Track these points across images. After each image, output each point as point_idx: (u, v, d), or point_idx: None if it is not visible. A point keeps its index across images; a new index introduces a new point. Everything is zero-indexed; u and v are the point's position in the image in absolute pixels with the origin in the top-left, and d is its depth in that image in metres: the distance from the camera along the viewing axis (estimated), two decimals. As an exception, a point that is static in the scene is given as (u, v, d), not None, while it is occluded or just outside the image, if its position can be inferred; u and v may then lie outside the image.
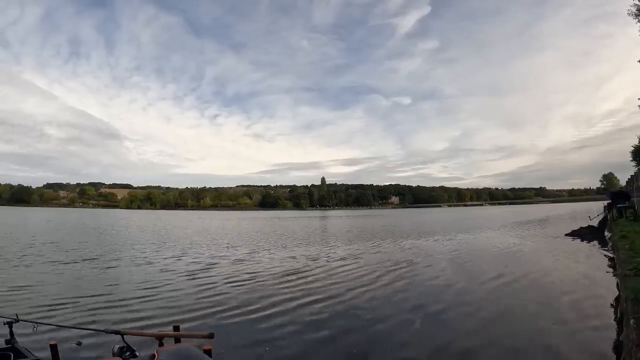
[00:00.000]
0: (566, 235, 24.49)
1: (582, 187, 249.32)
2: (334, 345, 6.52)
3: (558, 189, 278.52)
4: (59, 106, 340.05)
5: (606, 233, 23.52)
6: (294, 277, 12.81)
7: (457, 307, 8.87)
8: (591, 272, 12.47)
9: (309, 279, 12.47)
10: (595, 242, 20.31)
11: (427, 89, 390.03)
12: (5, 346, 3.82)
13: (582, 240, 21.47)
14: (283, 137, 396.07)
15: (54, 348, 3.90)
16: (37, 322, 4.15)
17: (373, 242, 24.39)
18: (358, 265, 14.94)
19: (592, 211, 34.63)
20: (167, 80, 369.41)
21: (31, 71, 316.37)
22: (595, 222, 25.51)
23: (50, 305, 8.89)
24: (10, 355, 3.43)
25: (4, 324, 3.96)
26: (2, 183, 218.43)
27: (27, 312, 7.88)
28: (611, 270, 12.33)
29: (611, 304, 8.36)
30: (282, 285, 11.44)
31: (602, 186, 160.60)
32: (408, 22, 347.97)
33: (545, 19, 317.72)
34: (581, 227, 24.89)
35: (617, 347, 5.81)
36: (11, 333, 3.95)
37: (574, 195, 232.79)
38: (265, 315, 8.27)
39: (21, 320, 4.02)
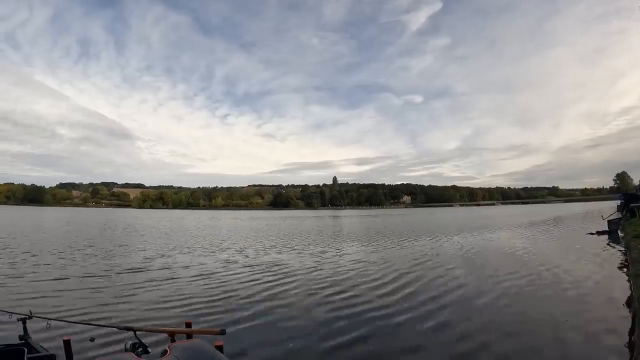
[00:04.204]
0: (587, 234, 25.19)
1: (595, 187, 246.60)
2: (347, 346, 6.57)
3: (571, 188, 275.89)
4: (71, 107, 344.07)
5: (620, 233, 23.90)
6: (309, 276, 13.08)
7: (478, 304, 9.19)
8: (604, 271, 12.82)
9: (326, 278, 12.63)
10: (611, 242, 20.83)
11: (438, 87, 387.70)
12: (18, 342, 3.98)
13: (597, 240, 21.91)
14: (294, 136, 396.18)
15: (67, 344, 4.01)
16: (50, 319, 4.18)
17: (392, 242, 24.90)
18: (376, 265, 15.23)
19: (605, 211, 34.85)
20: (177, 80, 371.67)
21: (42, 72, 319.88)
22: (608, 222, 25.88)
23: (64, 302, 9.27)
24: (24, 350, 3.53)
25: (18, 320, 4.15)
26: (16, 183, 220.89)
27: (41, 308, 8.18)
28: (625, 269, 12.67)
29: (624, 304, 8.58)
30: (296, 284, 11.70)
31: (615, 185, 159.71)
32: (419, 18, 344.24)
33: (558, 15, 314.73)
34: (598, 231, 25.32)
35: (630, 347, 6.03)
36: (25, 329, 4.14)
37: (587, 195, 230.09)
38: (278, 313, 8.54)
39: (35, 317, 4.20)
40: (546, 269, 13.48)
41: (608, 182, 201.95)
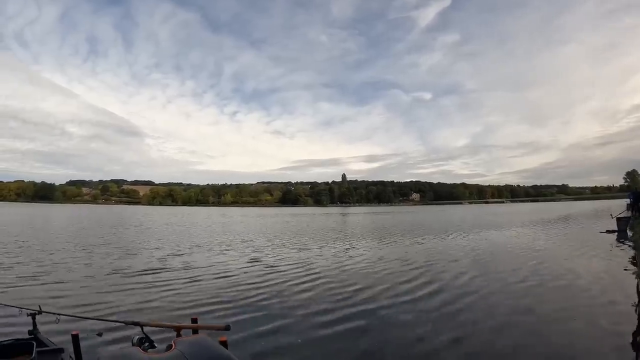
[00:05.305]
0: (600, 232, 25.44)
1: (605, 185, 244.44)
2: (355, 344, 6.64)
3: (580, 186, 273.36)
4: (80, 104, 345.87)
5: (629, 232, 24.04)
6: (319, 273, 13.12)
7: (488, 300, 9.54)
8: (612, 270, 12.95)
9: (337, 276, 12.67)
10: (619, 241, 21.08)
11: (448, 83, 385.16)
12: (28, 336, 4.04)
13: (605, 239, 22.11)
14: (303, 133, 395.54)
15: (75, 338, 3.94)
16: (59, 314, 4.24)
17: (405, 239, 25.18)
18: (388, 263, 15.34)
19: (615, 209, 34.82)
20: (186, 77, 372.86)
21: (51, 70, 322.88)
22: (617, 220, 26.03)
23: (73, 298, 9.42)
24: (33, 344, 3.52)
25: (28, 315, 4.21)
26: (26, 180, 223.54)
27: (51, 304, 8.19)
28: (632, 268, 12.88)
29: (632, 304, 8.62)
30: (305, 282, 11.77)
31: (625, 183, 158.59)
32: (428, 14, 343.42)
33: (568, 11, 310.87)
34: (608, 230, 25.51)
35: (636, 346, 6.21)
36: (34, 324, 4.21)
37: (596, 193, 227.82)
38: (284, 311, 8.63)
39: (44, 312, 4.26)
40: (554, 267, 13.73)
41: (618, 180, 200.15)
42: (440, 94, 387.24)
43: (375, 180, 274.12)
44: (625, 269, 13.02)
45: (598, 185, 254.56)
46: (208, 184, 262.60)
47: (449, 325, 7.63)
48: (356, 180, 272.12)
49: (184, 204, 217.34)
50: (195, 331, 3.44)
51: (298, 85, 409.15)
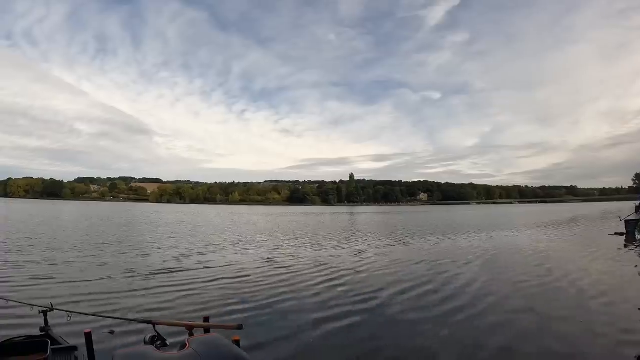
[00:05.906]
0: (609, 235, 25.65)
1: (614, 186, 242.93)
2: (366, 341, 6.74)
3: (589, 187, 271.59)
4: (89, 102, 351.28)
5: (637, 234, 23.98)
6: (330, 273, 13.17)
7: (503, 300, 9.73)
8: (620, 273, 13.00)
9: (348, 275, 12.76)
10: (627, 243, 21.26)
11: (456, 83, 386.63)
12: (40, 333, 4.05)
13: (614, 241, 22.27)
14: (311, 132, 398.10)
15: (88, 336, 3.91)
16: (71, 311, 4.19)
17: (414, 240, 25.29)
18: (401, 264, 15.30)
19: (624, 212, 34.63)
20: (194, 75, 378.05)
21: (60, 68, 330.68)
22: (625, 223, 25.95)
23: (84, 296, 9.42)
24: (48, 342, 3.54)
25: (39, 313, 4.23)
26: (35, 177, 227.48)
27: (62, 301, 8.19)
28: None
29: (638, 307, 8.63)
30: (317, 281, 11.79)
31: (634, 185, 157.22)
32: (437, 13, 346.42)
33: (578, 10, 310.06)
34: (616, 232, 25.58)
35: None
36: (46, 321, 4.24)
37: (605, 195, 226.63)
38: (297, 310, 8.68)
39: (55, 309, 4.27)
40: (562, 269, 13.68)
41: (627, 181, 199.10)
42: (449, 93, 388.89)
43: (383, 179, 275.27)
44: (633, 272, 13.17)
45: (607, 186, 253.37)
46: (216, 182, 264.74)
47: (456, 327, 7.68)
48: (364, 180, 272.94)
49: (192, 202, 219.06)
50: (207, 330, 3.46)
51: (306, 84, 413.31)
